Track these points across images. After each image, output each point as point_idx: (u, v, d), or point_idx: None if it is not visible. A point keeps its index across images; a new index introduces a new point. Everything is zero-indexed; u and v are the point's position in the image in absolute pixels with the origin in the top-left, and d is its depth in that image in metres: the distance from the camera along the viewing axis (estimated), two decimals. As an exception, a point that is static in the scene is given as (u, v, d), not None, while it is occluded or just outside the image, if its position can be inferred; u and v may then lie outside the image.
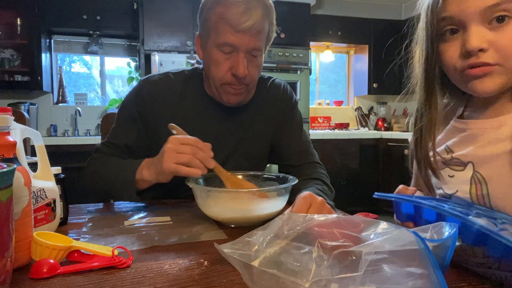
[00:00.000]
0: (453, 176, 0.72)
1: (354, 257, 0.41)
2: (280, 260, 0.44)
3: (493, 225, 0.52)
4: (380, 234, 0.44)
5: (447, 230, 0.45)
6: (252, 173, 0.99)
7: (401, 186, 0.73)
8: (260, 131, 1.12)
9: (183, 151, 0.82)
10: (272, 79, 1.18)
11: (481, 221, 0.53)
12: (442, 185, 0.74)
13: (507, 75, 0.63)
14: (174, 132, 0.91)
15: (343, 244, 0.43)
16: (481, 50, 0.61)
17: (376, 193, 0.67)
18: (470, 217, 0.54)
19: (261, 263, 0.43)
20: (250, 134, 1.11)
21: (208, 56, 1.00)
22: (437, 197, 0.77)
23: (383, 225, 0.46)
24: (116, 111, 1.13)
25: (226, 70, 0.97)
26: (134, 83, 3.75)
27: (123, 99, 1.12)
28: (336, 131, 4.10)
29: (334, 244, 0.43)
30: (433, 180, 0.76)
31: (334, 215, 0.51)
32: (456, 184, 0.71)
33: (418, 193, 0.83)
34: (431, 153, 0.74)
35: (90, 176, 1.03)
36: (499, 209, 0.64)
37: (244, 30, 0.92)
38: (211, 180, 0.92)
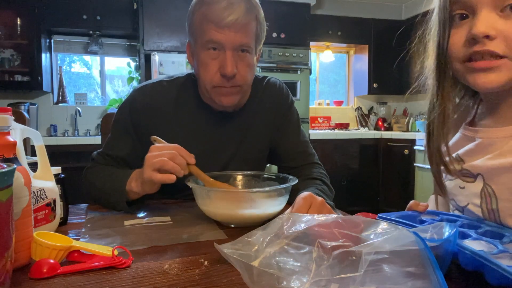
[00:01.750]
0: (464, 187, 0.69)
1: (354, 257, 0.41)
2: (280, 260, 0.44)
3: (493, 247, 0.51)
4: (380, 234, 0.44)
5: (447, 230, 0.45)
6: (252, 173, 0.99)
7: (412, 202, 0.70)
8: (258, 134, 1.11)
9: (160, 157, 0.81)
10: (267, 78, 1.16)
11: (480, 244, 0.52)
12: (453, 197, 0.71)
13: None
14: (156, 143, 0.90)
15: (343, 244, 0.43)
16: (487, 37, 0.57)
17: (379, 214, 0.65)
18: (467, 241, 0.53)
19: (261, 263, 0.43)
20: (249, 138, 1.10)
21: (197, 61, 0.98)
22: (451, 205, 0.74)
23: (383, 225, 0.46)
24: (116, 111, 1.13)
25: (214, 71, 0.94)
26: (134, 83, 3.76)
27: (119, 107, 1.10)
28: (336, 131, 4.10)
29: (334, 244, 0.43)
30: (447, 187, 0.72)
31: (334, 215, 0.51)
32: (467, 196, 0.68)
33: (432, 203, 0.80)
34: (443, 149, 0.69)
35: (87, 186, 1.03)
36: (509, 226, 0.62)
37: (228, 26, 0.90)
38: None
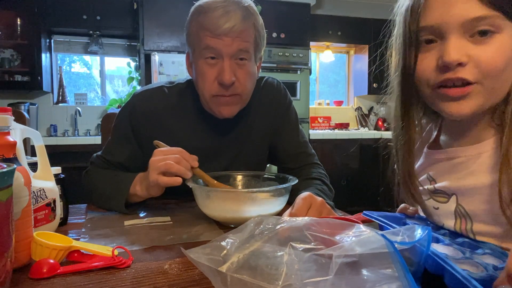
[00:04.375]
0: (437, 208, 0.67)
1: (324, 261, 0.40)
2: (251, 264, 0.42)
3: (460, 254, 0.50)
4: (353, 237, 0.44)
5: (418, 232, 0.44)
6: (252, 173, 0.99)
7: (402, 205, 0.70)
8: (258, 138, 1.11)
9: (165, 160, 0.82)
10: (264, 78, 1.14)
11: (447, 249, 0.51)
12: (429, 217, 0.70)
13: (485, 96, 0.58)
14: (159, 147, 0.90)
15: (315, 247, 0.42)
16: (459, 64, 0.56)
17: (364, 211, 0.65)
18: (436, 245, 0.52)
19: (230, 268, 0.42)
20: (249, 142, 1.09)
21: (195, 70, 0.97)
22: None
23: (359, 228, 0.46)
24: (116, 111, 1.12)
25: (212, 80, 0.93)
26: (134, 83, 3.75)
27: (119, 111, 1.09)
28: (336, 131, 4.10)
29: (306, 247, 0.43)
30: (422, 208, 0.71)
31: (306, 218, 0.50)
32: (441, 217, 0.67)
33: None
34: (410, 176, 0.67)
35: (87, 189, 1.03)
36: None
37: (224, 33, 0.89)
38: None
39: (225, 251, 0.45)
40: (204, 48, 0.92)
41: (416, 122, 0.67)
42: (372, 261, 0.40)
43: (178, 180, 0.82)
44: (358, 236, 0.43)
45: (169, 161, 0.81)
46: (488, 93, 0.57)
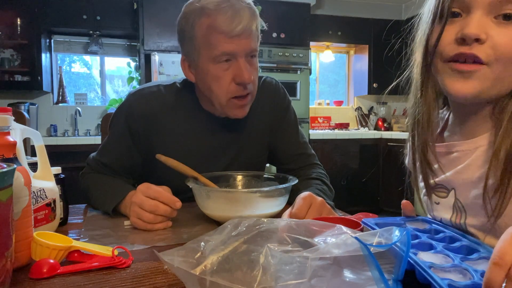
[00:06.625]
0: (438, 203, 0.68)
1: (300, 263, 0.39)
2: (226, 266, 0.42)
3: (449, 261, 0.49)
4: (333, 239, 0.43)
5: (396, 234, 0.43)
6: (252, 173, 0.99)
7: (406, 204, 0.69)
8: (257, 138, 1.10)
9: (145, 208, 0.79)
10: (263, 78, 1.13)
11: (436, 257, 0.50)
12: (429, 212, 0.71)
13: (491, 81, 0.58)
14: (161, 160, 0.89)
15: (292, 249, 0.42)
16: (477, 40, 0.56)
17: (363, 219, 0.64)
18: (423, 253, 0.51)
19: (203, 270, 0.41)
20: (248, 142, 1.09)
21: (204, 75, 0.94)
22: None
23: (340, 229, 0.45)
24: (112, 115, 1.10)
25: (229, 81, 0.92)
26: (134, 83, 3.75)
27: (115, 111, 1.07)
28: (336, 131, 4.10)
29: (283, 249, 0.42)
30: (424, 203, 0.72)
31: (285, 219, 0.50)
32: (440, 211, 0.68)
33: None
34: (427, 148, 0.67)
35: (83, 191, 1.02)
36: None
37: (238, 35, 0.88)
38: (211, 180, 0.92)
39: (199, 253, 0.44)
40: (219, 54, 0.90)
41: (433, 99, 0.67)
42: (354, 262, 0.40)
43: (168, 224, 0.81)
44: (336, 238, 0.43)
45: (148, 211, 0.79)
46: (495, 78, 0.58)
